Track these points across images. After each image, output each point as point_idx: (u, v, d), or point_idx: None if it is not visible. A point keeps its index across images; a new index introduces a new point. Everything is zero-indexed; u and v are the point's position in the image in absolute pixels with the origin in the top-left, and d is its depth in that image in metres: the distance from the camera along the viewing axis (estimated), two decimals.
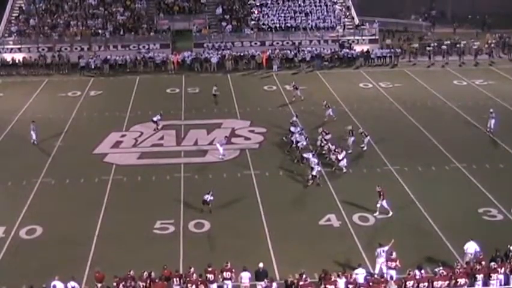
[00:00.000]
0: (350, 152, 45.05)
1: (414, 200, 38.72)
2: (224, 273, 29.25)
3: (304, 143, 45.28)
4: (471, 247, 30.89)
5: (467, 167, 43.21)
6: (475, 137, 49.13)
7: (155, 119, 50.62)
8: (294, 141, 45.28)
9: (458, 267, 29.30)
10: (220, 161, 45.00)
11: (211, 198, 37.12)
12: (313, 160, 41.75)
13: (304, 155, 43.51)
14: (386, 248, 30.65)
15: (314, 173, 40.99)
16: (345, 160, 42.92)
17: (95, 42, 73.75)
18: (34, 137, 47.92)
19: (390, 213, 36.56)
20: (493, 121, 49.11)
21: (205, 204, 37.22)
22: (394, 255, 30.15)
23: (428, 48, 73.93)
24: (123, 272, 28.82)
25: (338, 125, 49.77)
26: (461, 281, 28.44)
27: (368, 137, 46.26)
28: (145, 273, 28.54)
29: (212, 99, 57.93)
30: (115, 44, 74.01)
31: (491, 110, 50.16)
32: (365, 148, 46.20)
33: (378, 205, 36.57)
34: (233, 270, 29.35)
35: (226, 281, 29.23)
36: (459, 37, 78.20)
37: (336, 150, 43.32)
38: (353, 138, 46.05)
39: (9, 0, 79.42)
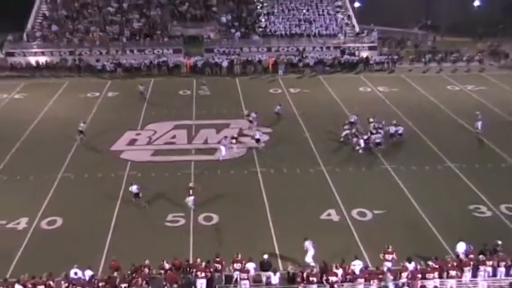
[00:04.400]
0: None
1: (409, 197, 38.67)
2: (234, 264, 29.34)
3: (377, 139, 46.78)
4: (460, 247, 30.93)
5: (458, 167, 43.16)
6: (465, 139, 49.03)
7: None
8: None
9: (449, 259, 29.51)
10: (228, 158, 44.84)
11: (137, 187, 37.93)
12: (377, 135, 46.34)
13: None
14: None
15: (378, 140, 45.87)
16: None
17: (113, 47, 73.96)
18: None
19: (193, 207, 36.85)
20: (480, 123, 49.17)
21: (136, 197, 37.72)
22: (391, 248, 30.23)
23: (423, 57, 74.35)
24: (136, 262, 29.07)
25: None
26: (452, 273, 28.59)
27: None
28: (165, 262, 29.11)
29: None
30: (131, 49, 74.24)
31: (478, 112, 50.58)
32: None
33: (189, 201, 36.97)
34: (243, 262, 29.42)
35: (236, 272, 29.27)
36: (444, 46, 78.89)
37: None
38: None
39: (34, 7, 79.89)
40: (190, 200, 36.78)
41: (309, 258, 30.92)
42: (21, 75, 69.61)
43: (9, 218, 36.12)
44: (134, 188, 37.97)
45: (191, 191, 37.22)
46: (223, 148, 45.06)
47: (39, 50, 73.66)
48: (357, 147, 46.17)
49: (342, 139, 47.84)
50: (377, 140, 46.22)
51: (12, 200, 38.54)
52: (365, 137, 46.81)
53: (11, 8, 78.87)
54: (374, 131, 47.21)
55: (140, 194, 37.91)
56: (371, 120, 49.35)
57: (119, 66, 70.40)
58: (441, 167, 43.53)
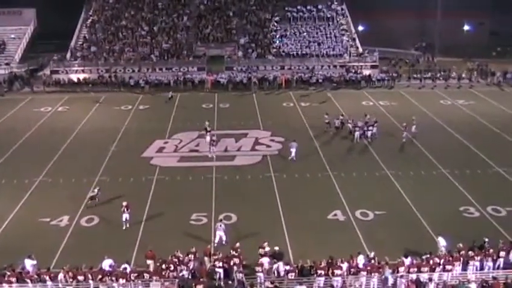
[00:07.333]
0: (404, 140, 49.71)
1: (406, 199, 38.48)
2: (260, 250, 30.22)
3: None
4: (441, 241, 31.08)
5: (450, 172, 42.92)
6: (457, 148, 48.79)
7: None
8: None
9: (441, 254, 29.65)
10: (245, 164, 44.89)
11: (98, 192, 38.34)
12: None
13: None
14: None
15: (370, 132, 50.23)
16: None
17: (144, 65, 74.28)
18: None
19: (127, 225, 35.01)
20: (414, 127, 50.54)
21: (93, 199, 38.05)
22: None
23: (419, 75, 74.32)
24: (164, 256, 29.22)
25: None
26: (448, 267, 28.69)
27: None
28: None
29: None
30: (160, 67, 74.48)
31: (414, 117, 52.05)
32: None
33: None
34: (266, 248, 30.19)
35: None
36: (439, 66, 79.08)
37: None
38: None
39: (76, 31, 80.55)
40: (125, 216, 34.80)
41: (217, 239, 32.29)
42: (63, 90, 70.09)
43: (53, 216, 36.31)
44: (96, 190, 38.46)
45: (125, 208, 35.02)
46: (293, 150, 45.24)
47: (80, 68, 74.11)
48: (355, 140, 50.05)
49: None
50: (369, 133, 50.34)
51: (55, 200, 38.72)
52: (361, 131, 50.49)
53: (56, 31, 79.61)
54: (370, 127, 50.67)
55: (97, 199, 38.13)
56: (368, 116, 52.66)
57: (149, 83, 70.66)
58: (436, 172, 43.31)
